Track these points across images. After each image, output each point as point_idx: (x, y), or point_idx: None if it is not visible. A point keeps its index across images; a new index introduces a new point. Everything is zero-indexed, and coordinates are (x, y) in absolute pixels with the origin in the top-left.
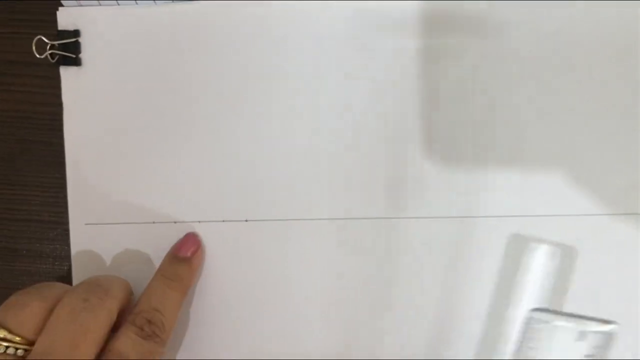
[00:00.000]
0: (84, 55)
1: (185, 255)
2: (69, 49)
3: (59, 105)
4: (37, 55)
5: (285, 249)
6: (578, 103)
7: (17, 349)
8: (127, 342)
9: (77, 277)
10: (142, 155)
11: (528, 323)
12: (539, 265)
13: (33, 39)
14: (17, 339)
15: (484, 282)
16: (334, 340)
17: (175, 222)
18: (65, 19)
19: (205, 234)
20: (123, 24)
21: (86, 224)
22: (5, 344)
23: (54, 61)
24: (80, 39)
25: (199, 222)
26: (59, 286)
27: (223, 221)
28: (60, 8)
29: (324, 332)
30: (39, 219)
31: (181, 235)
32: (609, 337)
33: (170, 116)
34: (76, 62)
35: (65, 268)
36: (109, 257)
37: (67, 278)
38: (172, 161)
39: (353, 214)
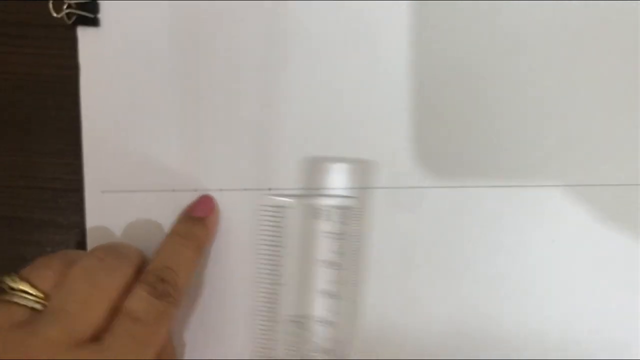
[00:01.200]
0: (102, 15)
1: (200, 215)
2: (87, 9)
3: (76, 68)
4: (54, 14)
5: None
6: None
7: (36, 301)
8: (138, 300)
9: (92, 247)
10: (162, 121)
11: None
12: None
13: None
14: (35, 292)
15: None
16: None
17: (195, 190)
18: None
19: (226, 202)
20: None
21: (102, 192)
22: (25, 295)
23: (70, 22)
24: None
25: (220, 190)
26: (82, 253)
27: (244, 190)
28: None
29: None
30: (53, 186)
31: None
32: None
33: (191, 81)
34: (94, 22)
35: (80, 238)
36: (125, 226)
37: (82, 248)
38: (193, 127)
39: (375, 184)
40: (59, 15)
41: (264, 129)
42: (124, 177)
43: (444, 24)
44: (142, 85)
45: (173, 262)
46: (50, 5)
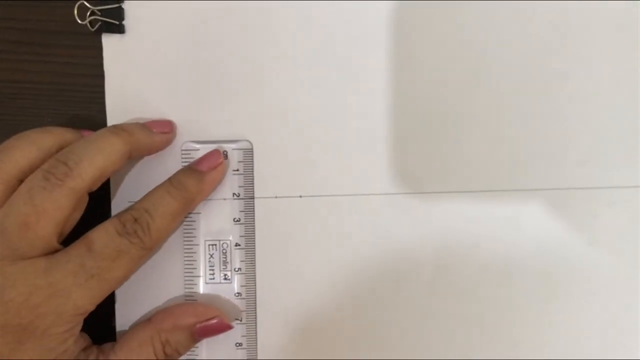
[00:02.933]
0: (127, 22)
1: (200, 169)
2: (112, 16)
3: (101, 76)
4: (79, 21)
5: (339, 225)
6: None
7: None
8: (100, 232)
9: None
10: (188, 130)
11: None
12: None
13: (72, 7)
14: None
15: None
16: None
17: (228, 199)
18: None
19: (258, 210)
20: None
21: (129, 202)
22: None
23: (94, 29)
24: (124, 5)
25: (255, 198)
26: (57, 134)
27: (276, 197)
28: None
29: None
30: None
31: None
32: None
33: (217, 88)
34: (119, 29)
35: None
36: None
37: None
38: (221, 135)
39: (406, 189)
40: (84, 22)
41: (296, 136)
42: (152, 184)
43: (422, 37)
44: (167, 93)
45: (153, 207)
46: (75, 12)
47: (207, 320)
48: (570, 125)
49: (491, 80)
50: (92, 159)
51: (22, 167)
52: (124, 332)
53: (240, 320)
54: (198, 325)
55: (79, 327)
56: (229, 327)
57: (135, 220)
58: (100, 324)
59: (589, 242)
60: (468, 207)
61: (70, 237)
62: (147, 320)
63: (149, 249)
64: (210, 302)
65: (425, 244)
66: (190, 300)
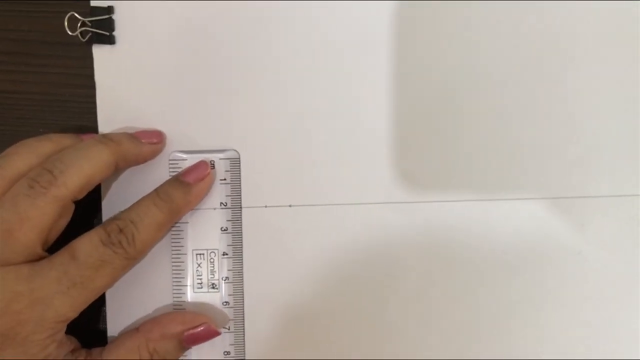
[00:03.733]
0: (117, 33)
1: (187, 180)
2: (103, 27)
3: (92, 86)
4: (69, 33)
5: (330, 235)
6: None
7: None
8: (85, 242)
9: None
10: (176, 140)
11: None
12: None
13: (63, 18)
14: None
15: None
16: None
17: (216, 209)
18: None
19: (247, 219)
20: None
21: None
22: None
23: (85, 40)
24: (114, 16)
25: (242, 207)
26: (56, 141)
27: (266, 207)
28: None
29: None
30: None
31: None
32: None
33: (204, 98)
34: (110, 40)
35: None
36: None
37: None
38: (208, 145)
39: (398, 199)
40: (74, 34)
41: (285, 145)
42: (140, 194)
43: (424, 38)
44: (159, 104)
45: (138, 217)
46: (66, 24)
47: (195, 328)
48: (559, 134)
49: (482, 84)
50: (78, 168)
51: (22, 173)
52: (113, 340)
53: (228, 329)
54: (186, 333)
55: (61, 333)
56: (217, 334)
57: (121, 230)
58: (90, 327)
59: (579, 249)
60: (457, 214)
61: (58, 245)
62: (135, 329)
63: (133, 259)
64: (198, 310)
65: (416, 251)
66: (178, 309)
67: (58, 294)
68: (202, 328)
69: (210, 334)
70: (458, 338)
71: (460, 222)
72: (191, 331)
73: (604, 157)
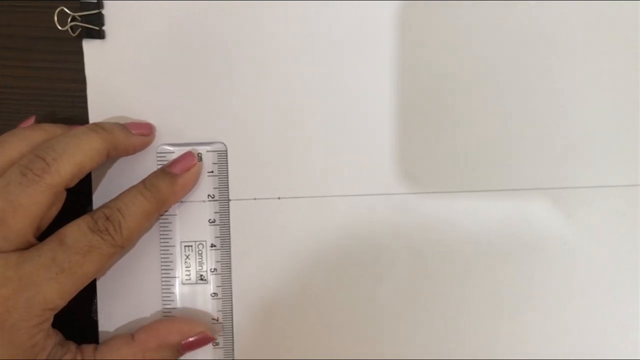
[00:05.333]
0: (107, 27)
1: (173, 171)
2: (92, 21)
3: (82, 81)
4: (59, 28)
5: (318, 227)
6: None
7: None
8: (73, 228)
9: None
10: (164, 133)
11: None
12: None
13: (53, 13)
14: None
15: None
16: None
17: (203, 202)
18: None
19: (235, 211)
20: None
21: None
22: None
23: (75, 35)
24: (104, 11)
25: (230, 200)
26: (48, 130)
27: (255, 199)
28: None
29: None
30: None
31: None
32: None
33: (192, 91)
34: (100, 34)
35: None
36: None
37: None
38: (195, 138)
39: (390, 190)
40: (64, 29)
41: (274, 137)
42: (128, 185)
43: (426, 34)
44: (149, 97)
45: (125, 206)
46: (55, 19)
47: (192, 337)
48: (546, 125)
49: (474, 79)
50: (71, 156)
51: (13, 161)
52: (105, 341)
53: (217, 320)
54: (183, 342)
55: (49, 322)
56: (213, 340)
57: (107, 218)
58: (81, 319)
59: (565, 240)
60: (443, 205)
61: (50, 233)
62: (130, 337)
63: (120, 246)
64: (188, 315)
65: (404, 243)
66: (168, 316)
67: (46, 280)
68: (199, 337)
69: (206, 341)
70: (446, 329)
71: (446, 212)
72: (189, 340)
73: (589, 149)
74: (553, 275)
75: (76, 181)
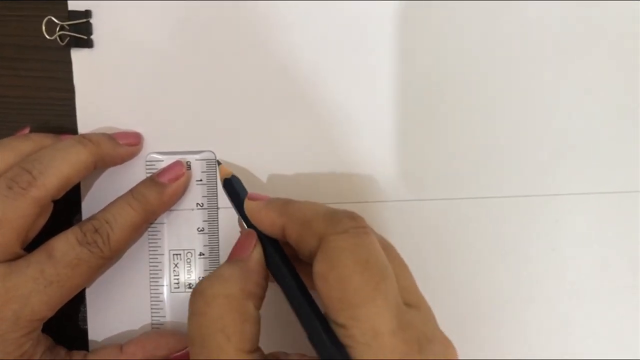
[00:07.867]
0: (95, 36)
1: (162, 181)
2: (80, 31)
3: (71, 90)
4: (47, 37)
5: None
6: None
7: None
8: (61, 241)
9: None
10: (153, 142)
11: None
12: None
13: (40, 22)
14: None
15: None
16: None
17: (192, 210)
18: None
19: (224, 220)
20: (135, 3)
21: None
22: None
23: (63, 44)
24: (92, 20)
25: (219, 208)
26: (36, 140)
27: None
28: None
29: None
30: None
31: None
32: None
33: (181, 100)
34: (88, 43)
35: None
36: None
37: None
38: (184, 146)
39: (386, 197)
40: (52, 38)
41: (265, 146)
42: (121, 193)
43: (428, 38)
44: (137, 106)
45: (113, 218)
46: (43, 28)
47: (179, 351)
48: (535, 133)
49: (466, 87)
50: (57, 169)
51: (1, 173)
52: (95, 351)
53: None
54: (171, 356)
55: (38, 330)
56: None
57: (96, 230)
58: (71, 326)
59: (552, 247)
60: (432, 212)
61: (37, 243)
62: (118, 348)
63: (108, 258)
64: (176, 327)
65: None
66: (157, 327)
67: (34, 293)
68: (186, 352)
69: None
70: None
71: (434, 220)
72: (175, 355)
73: (577, 156)
74: (541, 279)
75: (62, 193)
